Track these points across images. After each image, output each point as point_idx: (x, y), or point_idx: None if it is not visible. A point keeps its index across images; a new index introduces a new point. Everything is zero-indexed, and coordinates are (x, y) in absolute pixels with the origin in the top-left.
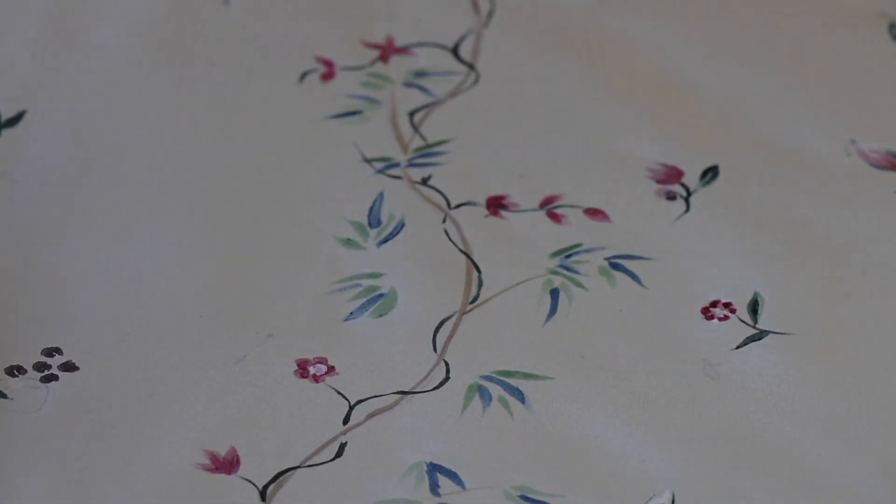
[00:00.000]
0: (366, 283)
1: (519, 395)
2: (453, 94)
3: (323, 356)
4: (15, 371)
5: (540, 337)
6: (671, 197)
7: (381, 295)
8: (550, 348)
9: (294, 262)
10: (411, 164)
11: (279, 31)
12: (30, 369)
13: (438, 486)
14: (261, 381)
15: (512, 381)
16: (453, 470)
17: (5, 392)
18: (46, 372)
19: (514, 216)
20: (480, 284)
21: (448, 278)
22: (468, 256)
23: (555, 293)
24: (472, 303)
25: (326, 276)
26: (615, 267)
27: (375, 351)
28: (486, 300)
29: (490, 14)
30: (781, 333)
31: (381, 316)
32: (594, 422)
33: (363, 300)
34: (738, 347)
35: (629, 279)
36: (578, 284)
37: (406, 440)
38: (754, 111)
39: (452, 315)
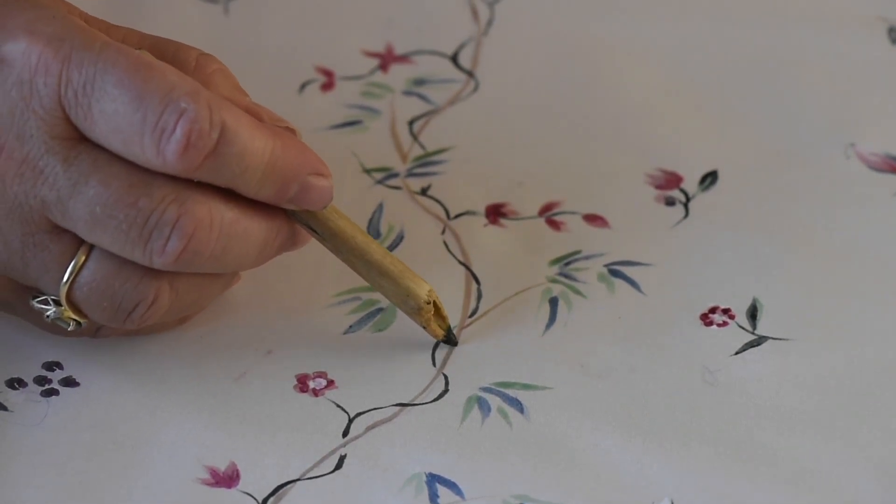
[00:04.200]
0: (365, 296)
1: (518, 405)
2: (452, 101)
3: (322, 370)
4: (15, 384)
5: (539, 347)
6: (670, 202)
7: (380, 309)
8: (549, 358)
9: (293, 275)
10: (410, 174)
11: (279, 42)
12: (30, 382)
13: (438, 497)
14: (261, 396)
15: (511, 392)
16: (452, 480)
17: (6, 404)
18: (47, 386)
19: (513, 224)
20: (479, 297)
21: (447, 291)
22: (467, 268)
23: (554, 302)
24: (471, 316)
25: (326, 290)
26: (614, 274)
27: (375, 364)
28: (486, 312)
29: (489, 22)
30: (780, 339)
31: (380, 330)
32: (593, 430)
33: (362, 314)
34: (737, 353)
35: (628, 286)
36: (577, 292)
37: (405, 451)
38: (753, 115)
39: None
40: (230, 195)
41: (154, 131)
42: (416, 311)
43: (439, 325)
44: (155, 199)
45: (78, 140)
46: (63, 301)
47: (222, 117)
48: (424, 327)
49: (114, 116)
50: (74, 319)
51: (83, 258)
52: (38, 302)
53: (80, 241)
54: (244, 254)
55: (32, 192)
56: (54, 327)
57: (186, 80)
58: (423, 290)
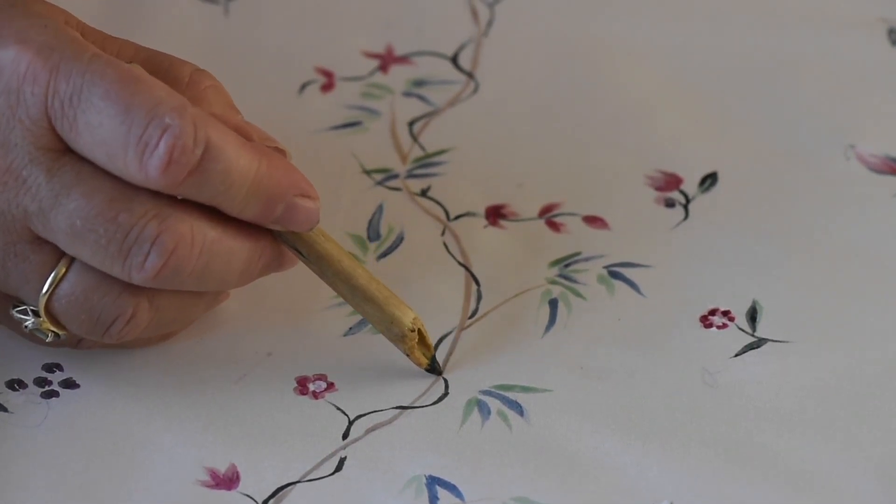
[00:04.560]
0: None
1: (518, 408)
2: (452, 103)
3: (322, 372)
4: (16, 385)
5: (539, 349)
6: (670, 204)
7: None
8: (549, 360)
9: (292, 278)
10: (410, 175)
11: (279, 42)
12: (30, 384)
13: (438, 499)
14: (261, 398)
15: (510, 395)
16: (452, 482)
17: (6, 406)
18: (47, 387)
19: (513, 225)
20: (479, 298)
21: (447, 293)
22: (467, 269)
23: (553, 304)
24: (470, 318)
25: (326, 292)
26: (614, 275)
27: (375, 367)
28: (485, 314)
29: (489, 23)
30: (780, 341)
31: (379, 333)
32: (593, 432)
33: (362, 316)
34: (736, 355)
35: (628, 287)
36: (577, 294)
37: (405, 454)
38: (753, 117)
39: (451, 332)
40: (214, 214)
41: (137, 145)
42: (399, 338)
43: (424, 354)
44: (135, 214)
45: (62, 151)
46: (42, 312)
47: (207, 134)
48: (408, 355)
49: (99, 129)
50: (53, 331)
51: (63, 270)
52: (17, 312)
53: (62, 253)
54: (226, 273)
55: (15, 201)
56: (34, 337)
57: (174, 95)
58: (407, 318)
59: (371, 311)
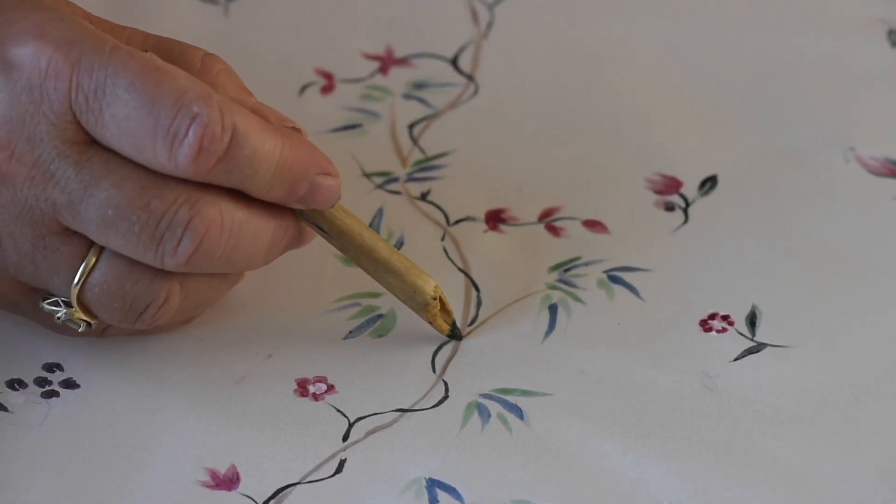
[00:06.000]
0: (365, 302)
1: (518, 411)
2: (452, 105)
3: (323, 375)
4: (16, 384)
5: (538, 354)
6: (669, 208)
7: (380, 315)
8: (549, 365)
9: (293, 280)
10: (410, 179)
11: (279, 44)
12: (31, 384)
13: (437, 501)
14: (261, 400)
15: (511, 399)
16: (452, 485)
17: (6, 405)
18: (47, 387)
19: (512, 230)
20: (479, 304)
21: (447, 298)
22: (467, 275)
23: (553, 308)
24: (470, 324)
25: (326, 295)
26: (614, 280)
27: (375, 370)
28: (485, 320)
29: (489, 24)
30: (779, 346)
31: (380, 336)
32: (592, 436)
33: (362, 319)
34: (736, 359)
35: (627, 292)
36: (577, 299)
37: (405, 456)
38: (752, 119)
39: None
40: (239, 196)
41: (166, 136)
42: (423, 307)
43: (445, 321)
44: (167, 200)
45: (88, 143)
46: (74, 303)
47: (233, 120)
48: (431, 323)
49: (125, 121)
50: (85, 320)
51: (94, 260)
52: (48, 304)
53: (91, 243)
54: (253, 253)
55: (43, 195)
56: (63, 328)
57: (197, 83)
58: (429, 286)
59: (394, 281)
